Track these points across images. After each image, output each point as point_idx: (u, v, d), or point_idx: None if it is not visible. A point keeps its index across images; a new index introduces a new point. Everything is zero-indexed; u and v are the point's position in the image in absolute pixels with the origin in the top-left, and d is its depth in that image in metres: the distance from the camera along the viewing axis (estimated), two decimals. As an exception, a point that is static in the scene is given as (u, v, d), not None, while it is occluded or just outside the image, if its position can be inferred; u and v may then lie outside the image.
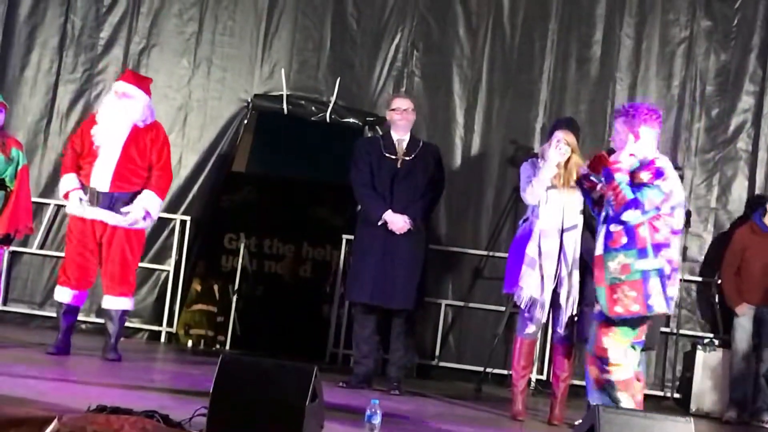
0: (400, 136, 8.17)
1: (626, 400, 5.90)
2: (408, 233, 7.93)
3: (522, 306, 7.29)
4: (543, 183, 7.28)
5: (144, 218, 7.89)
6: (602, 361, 5.84)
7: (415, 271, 8.00)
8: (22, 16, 10.10)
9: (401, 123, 8.17)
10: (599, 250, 5.99)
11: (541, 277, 7.24)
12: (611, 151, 6.34)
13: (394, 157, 8.09)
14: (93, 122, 7.96)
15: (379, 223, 7.95)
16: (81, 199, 7.78)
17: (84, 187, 7.80)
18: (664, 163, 5.99)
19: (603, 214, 6.05)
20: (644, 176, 5.87)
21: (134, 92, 7.93)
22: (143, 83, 8.08)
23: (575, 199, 7.33)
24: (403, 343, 8.12)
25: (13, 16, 10.08)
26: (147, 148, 7.90)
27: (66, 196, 7.90)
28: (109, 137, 7.80)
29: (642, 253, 5.83)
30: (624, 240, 5.85)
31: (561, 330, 7.34)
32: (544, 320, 7.33)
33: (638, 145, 6.01)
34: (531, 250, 7.28)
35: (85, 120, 8.39)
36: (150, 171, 7.91)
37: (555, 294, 7.25)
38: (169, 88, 9.98)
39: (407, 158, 8.06)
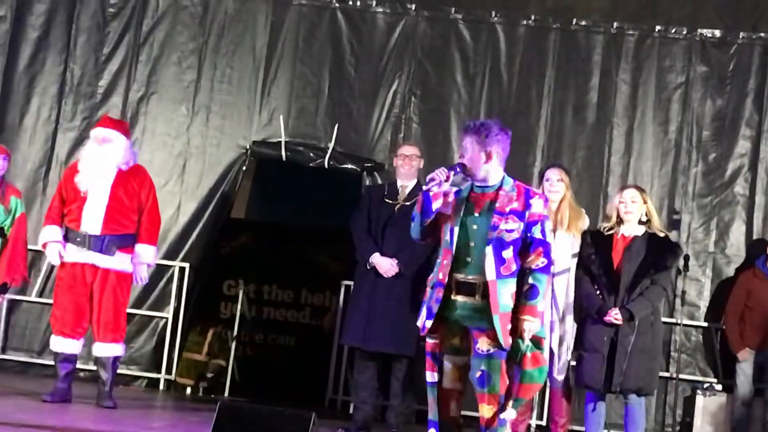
0: (404, 182, 8.18)
1: None
2: (401, 277, 7.92)
3: None
4: None
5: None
6: (501, 399, 5.61)
7: (406, 314, 7.92)
8: (21, 65, 10.16)
9: (403, 169, 8.20)
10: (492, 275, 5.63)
11: None
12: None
13: (392, 202, 8.12)
14: (75, 170, 7.97)
15: (368, 267, 7.98)
16: (59, 253, 7.80)
17: (69, 233, 7.85)
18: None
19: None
20: (540, 207, 5.66)
21: (113, 136, 7.96)
22: (120, 126, 8.18)
23: (567, 242, 7.35)
24: (402, 389, 8.09)
25: (12, 65, 10.14)
26: (135, 191, 7.93)
27: (44, 246, 7.91)
28: (95, 182, 7.83)
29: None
30: (514, 267, 5.61)
31: (557, 375, 7.32)
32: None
33: (490, 165, 5.69)
34: None
35: (67, 169, 8.38)
36: (140, 214, 7.94)
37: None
38: (167, 136, 10.02)
39: (406, 204, 8.06)
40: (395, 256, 7.93)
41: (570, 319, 7.35)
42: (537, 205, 5.66)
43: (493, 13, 9.93)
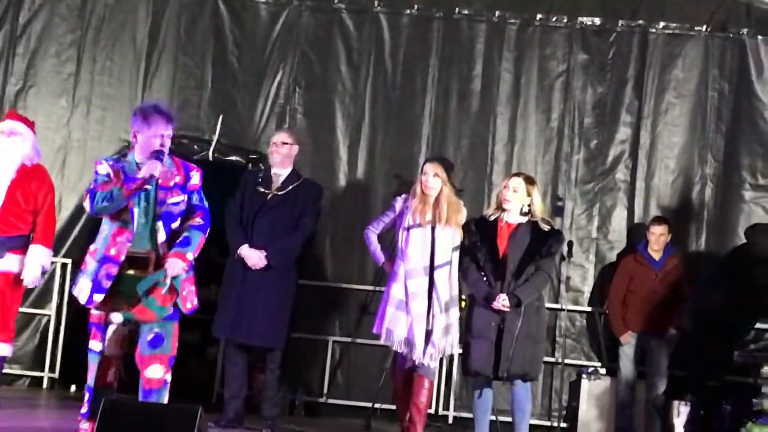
0: (278, 170, 8.14)
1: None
2: (271, 269, 7.86)
3: (394, 348, 7.32)
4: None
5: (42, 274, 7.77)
6: (171, 361, 6.04)
7: (277, 307, 7.91)
8: None
9: (274, 157, 8.17)
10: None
11: (411, 317, 7.25)
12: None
13: (265, 190, 8.06)
14: None
15: (236, 258, 7.92)
16: None
17: None
18: None
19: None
20: (197, 179, 6.30)
21: (22, 129, 7.76)
22: (28, 122, 7.94)
23: (447, 236, 7.37)
24: (276, 380, 8.05)
25: None
26: (32, 193, 7.71)
27: None
28: None
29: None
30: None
31: (425, 364, 7.32)
32: (419, 360, 7.30)
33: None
34: (397, 291, 7.31)
35: None
36: (35, 215, 7.73)
37: (428, 332, 7.26)
38: (47, 129, 9.81)
39: (279, 193, 8.02)
40: (265, 247, 7.87)
41: (455, 311, 7.37)
42: (195, 178, 6.22)
43: (377, 3, 9.92)
